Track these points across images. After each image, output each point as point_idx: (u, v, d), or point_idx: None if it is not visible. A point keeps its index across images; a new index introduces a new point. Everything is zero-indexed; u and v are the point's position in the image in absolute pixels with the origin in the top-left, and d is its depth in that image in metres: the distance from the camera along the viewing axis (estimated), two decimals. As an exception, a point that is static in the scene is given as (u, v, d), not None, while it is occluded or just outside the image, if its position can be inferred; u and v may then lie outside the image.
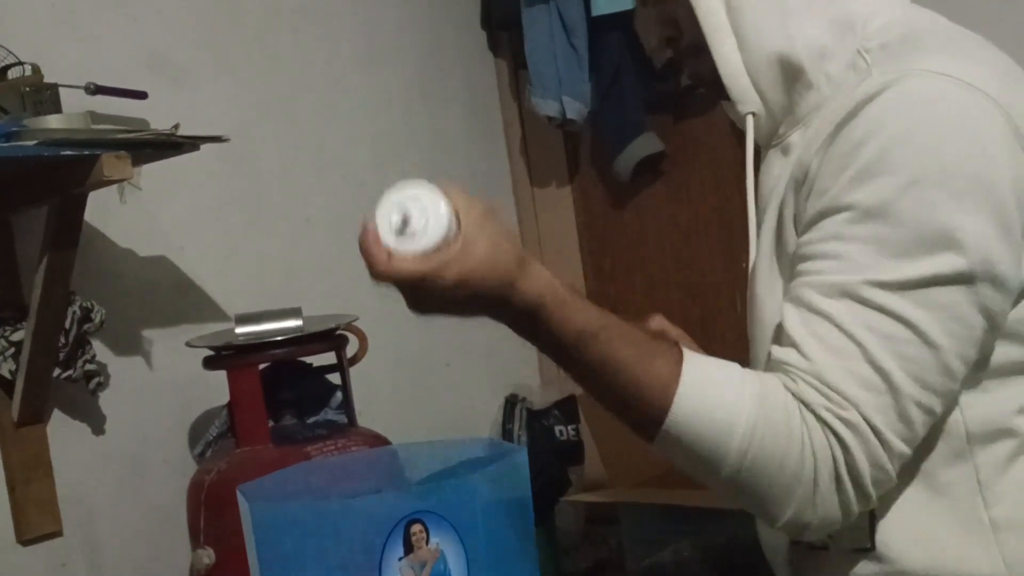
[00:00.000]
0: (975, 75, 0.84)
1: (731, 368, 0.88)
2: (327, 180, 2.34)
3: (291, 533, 0.99)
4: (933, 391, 0.82)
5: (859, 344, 0.82)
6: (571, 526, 2.58)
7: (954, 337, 0.82)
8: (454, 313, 0.88)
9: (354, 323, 1.93)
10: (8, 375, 1.64)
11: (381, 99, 2.52)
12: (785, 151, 0.97)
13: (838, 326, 0.83)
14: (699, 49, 0.97)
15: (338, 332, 1.89)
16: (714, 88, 1.00)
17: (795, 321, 0.85)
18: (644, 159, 2.54)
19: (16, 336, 1.64)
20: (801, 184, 0.89)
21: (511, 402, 2.70)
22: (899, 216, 0.81)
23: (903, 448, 0.83)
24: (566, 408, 2.70)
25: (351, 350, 1.95)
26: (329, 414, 1.91)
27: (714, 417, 0.84)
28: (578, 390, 2.63)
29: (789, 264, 0.90)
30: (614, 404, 0.89)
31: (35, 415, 1.69)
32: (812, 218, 0.86)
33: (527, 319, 0.86)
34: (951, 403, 0.86)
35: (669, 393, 0.85)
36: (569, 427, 2.70)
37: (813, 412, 0.83)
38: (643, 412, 0.87)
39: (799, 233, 0.89)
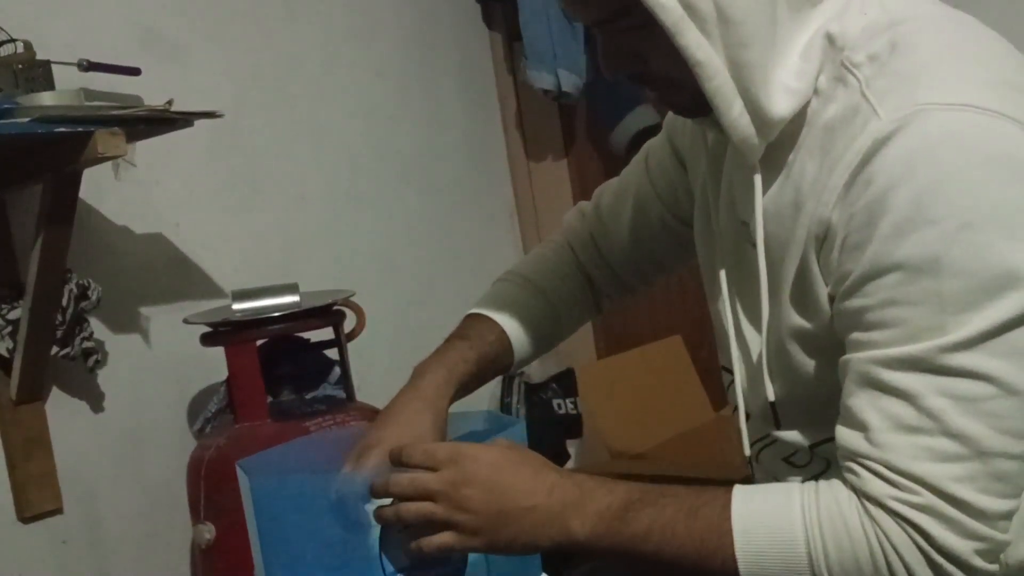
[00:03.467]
0: (990, 99, 0.78)
1: (780, 490, 0.85)
2: (322, 155, 2.34)
3: (290, 506, 0.99)
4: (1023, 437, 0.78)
5: (936, 417, 0.77)
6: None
7: None
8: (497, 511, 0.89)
9: (351, 298, 1.93)
10: (6, 353, 1.64)
11: (375, 73, 2.51)
12: (773, 169, 0.89)
13: (913, 403, 0.78)
14: (675, 84, 0.88)
15: (335, 307, 1.89)
16: (695, 115, 0.94)
17: (863, 402, 0.80)
18: (640, 131, 2.54)
19: (13, 315, 1.63)
20: (823, 240, 0.83)
21: (509, 376, 2.71)
22: (953, 267, 0.75)
23: (1005, 506, 0.78)
24: (564, 382, 2.71)
25: (349, 325, 1.95)
26: (327, 389, 1.91)
27: (777, 550, 0.81)
28: (576, 364, 2.66)
29: (826, 325, 0.86)
30: (685, 565, 0.86)
31: (33, 393, 1.69)
32: (856, 281, 0.80)
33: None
34: None
35: (727, 541, 0.83)
36: (567, 400, 2.71)
37: (881, 505, 0.79)
38: (715, 570, 0.85)
39: (834, 289, 0.83)
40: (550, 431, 2.57)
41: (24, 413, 1.69)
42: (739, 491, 0.85)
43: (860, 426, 0.81)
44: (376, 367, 2.21)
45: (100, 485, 1.83)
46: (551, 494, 0.88)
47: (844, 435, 0.82)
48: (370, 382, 2.05)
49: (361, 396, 1.94)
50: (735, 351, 0.98)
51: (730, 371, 1.00)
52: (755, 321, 0.95)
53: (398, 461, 0.93)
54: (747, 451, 1.01)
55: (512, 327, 1.16)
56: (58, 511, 1.75)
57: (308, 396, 1.89)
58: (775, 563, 0.81)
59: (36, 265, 1.58)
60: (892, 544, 0.78)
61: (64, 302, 1.65)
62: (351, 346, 1.94)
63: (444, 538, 0.89)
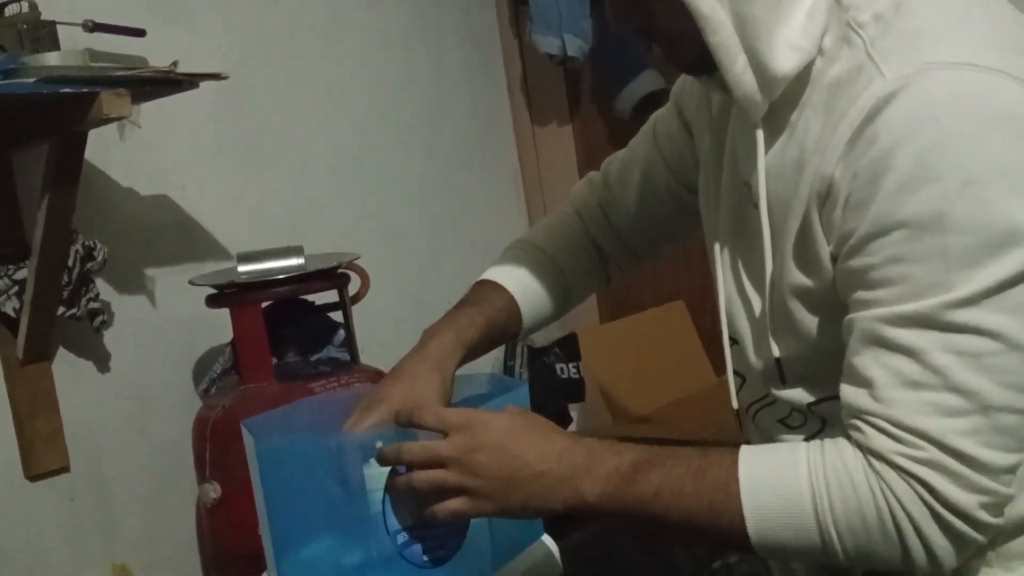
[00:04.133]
0: (993, 58, 0.78)
1: (786, 449, 0.86)
2: (327, 119, 2.33)
3: (295, 465, 1.00)
4: None
5: (941, 372, 0.78)
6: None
7: None
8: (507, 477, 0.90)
9: (355, 261, 1.94)
10: (12, 313, 1.65)
11: (380, 37, 2.50)
12: (776, 130, 0.90)
13: (918, 359, 0.78)
14: (680, 38, 0.89)
15: (340, 270, 1.90)
16: (699, 73, 0.95)
17: (867, 360, 0.81)
18: (646, 96, 2.53)
19: (19, 275, 1.64)
20: (826, 197, 0.84)
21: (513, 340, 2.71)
22: (957, 223, 0.76)
23: (1009, 460, 0.79)
24: (567, 346, 2.72)
25: (353, 288, 1.96)
26: (332, 351, 1.93)
27: (784, 508, 0.82)
28: (579, 328, 2.66)
29: (829, 283, 0.86)
30: (693, 525, 0.87)
31: (40, 353, 1.70)
32: (860, 240, 0.80)
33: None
34: None
35: (735, 500, 0.84)
36: (570, 365, 2.72)
37: (886, 461, 0.79)
38: (723, 530, 0.85)
39: (837, 248, 0.84)
40: (553, 395, 2.58)
41: (31, 372, 1.70)
42: (746, 451, 0.86)
43: (865, 383, 0.81)
44: (380, 330, 2.22)
45: (107, 444, 1.84)
46: (561, 459, 0.89)
47: (848, 393, 0.83)
48: (374, 345, 2.06)
49: (365, 359, 1.95)
50: (737, 313, 0.99)
51: (733, 338, 1.01)
52: (758, 282, 0.95)
53: (407, 422, 0.93)
54: (734, 403, 1.02)
55: (521, 294, 1.17)
56: (65, 470, 1.77)
57: (313, 358, 1.90)
58: (782, 521, 0.82)
59: (42, 226, 1.59)
60: (897, 499, 0.79)
61: (70, 263, 1.66)
62: (355, 309, 1.95)
63: (456, 504, 0.90)
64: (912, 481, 0.79)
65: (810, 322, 0.89)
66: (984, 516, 0.79)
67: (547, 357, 2.72)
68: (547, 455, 0.89)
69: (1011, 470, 0.80)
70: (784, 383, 0.93)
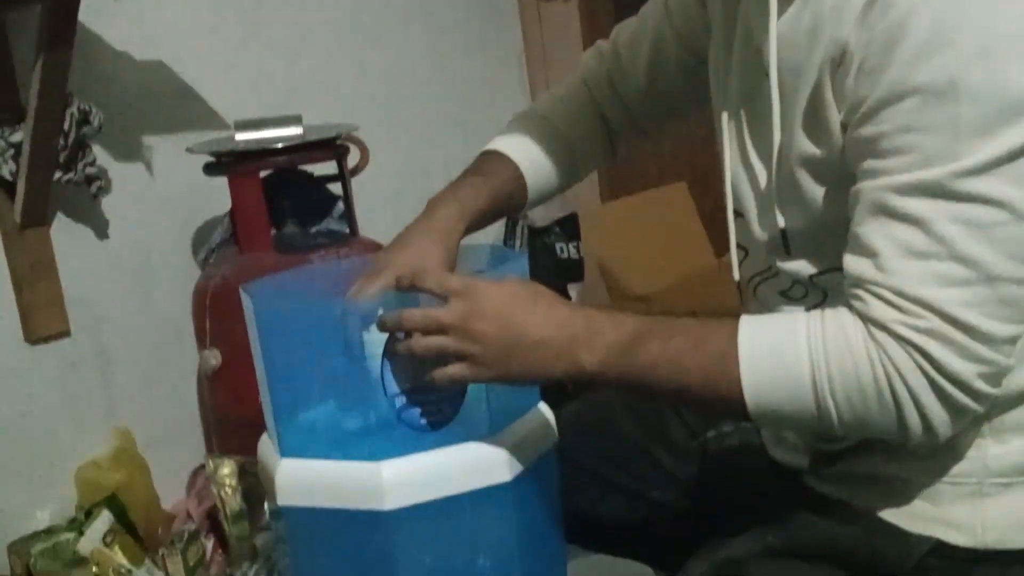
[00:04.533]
0: None
1: (784, 318, 0.86)
2: (327, -14, 2.28)
3: (295, 329, 1.00)
4: None
5: (946, 242, 0.76)
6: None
7: None
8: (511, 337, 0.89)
9: (355, 133, 1.91)
10: (9, 176, 1.64)
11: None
12: None
13: (923, 228, 0.77)
14: None
15: (339, 141, 1.88)
16: None
17: (872, 229, 0.80)
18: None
19: (15, 137, 1.62)
20: (839, 63, 0.82)
21: (513, 219, 2.70)
22: (970, 91, 0.74)
23: (1010, 330, 0.78)
24: (568, 226, 2.71)
25: (352, 160, 1.94)
26: (331, 224, 1.92)
27: (782, 376, 0.82)
28: (580, 208, 2.65)
29: (838, 152, 0.85)
30: (692, 395, 0.87)
31: (37, 217, 1.70)
32: (872, 107, 0.79)
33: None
34: None
35: (734, 369, 0.83)
36: (570, 245, 2.72)
37: (887, 330, 0.78)
38: (721, 399, 0.85)
39: (848, 116, 0.82)
40: (552, 275, 2.59)
41: (29, 237, 1.70)
42: (746, 320, 0.86)
43: (869, 253, 0.81)
44: (379, 203, 2.21)
45: (107, 311, 1.85)
46: (562, 328, 0.89)
47: (852, 263, 0.82)
48: (373, 218, 2.05)
49: (364, 232, 1.95)
50: (742, 186, 0.98)
51: (737, 211, 1.00)
52: (765, 152, 0.94)
53: (408, 285, 0.93)
54: (736, 275, 1.02)
55: (528, 165, 1.15)
56: (65, 334, 1.78)
57: (312, 230, 1.90)
58: (780, 388, 0.83)
59: (37, 87, 1.56)
60: (897, 368, 0.79)
61: (66, 126, 1.64)
62: (354, 182, 1.94)
63: (457, 369, 0.91)
64: (912, 350, 0.78)
65: (816, 192, 0.88)
66: (982, 386, 0.79)
67: (547, 237, 2.71)
68: (547, 324, 0.89)
69: (1011, 341, 0.80)
70: (788, 254, 0.93)
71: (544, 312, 0.90)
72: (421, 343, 0.91)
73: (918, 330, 0.78)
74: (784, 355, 0.82)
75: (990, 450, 0.87)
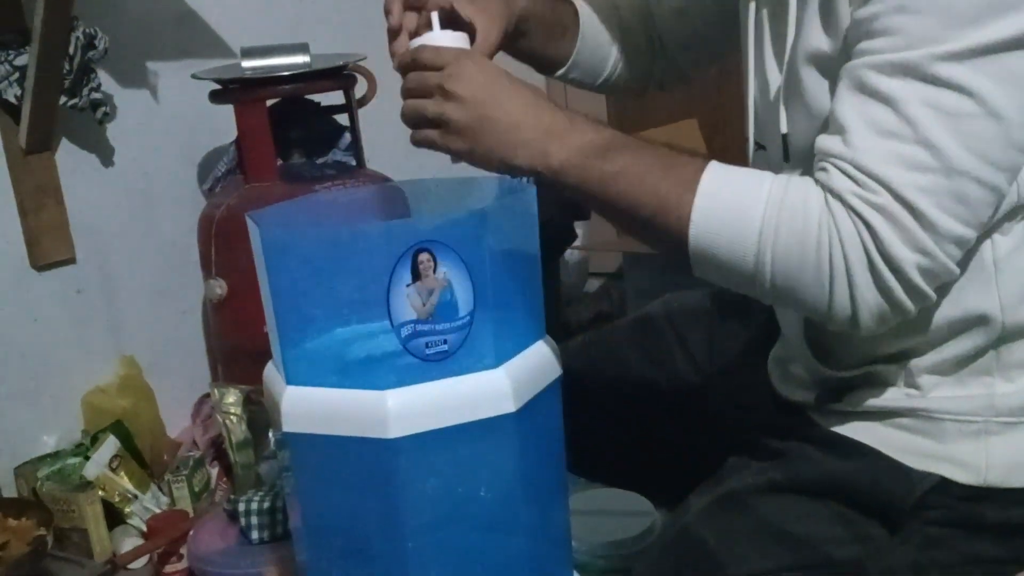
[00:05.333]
0: None
1: (757, 172, 0.85)
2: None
3: (302, 257, 1.00)
4: (996, 166, 0.77)
5: (915, 124, 0.76)
6: (574, 278, 2.63)
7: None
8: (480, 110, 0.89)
9: (362, 63, 1.89)
10: (14, 100, 1.62)
11: None
12: None
13: (895, 107, 0.77)
14: None
15: (346, 71, 1.85)
16: None
17: (847, 106, 0.80)
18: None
19: (20, 60, 1.61)
20: None
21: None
22: None
23: (959, 230, 0.78)
24: (575, 162, 2.69)
25: (360, 91, 1.92)
26: (338, 155, 1.91)
27: (733, 216, 0.81)
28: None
29: (843, 43, 0.84)
30: (641, 218, 0.86)
31: (43, 142, 1.69)
32: None
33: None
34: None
35: (689, 198, 0.82)
36: (577, 182, 2.70)
37: (841, 200, 0.79)
38: (667, 226, 0.84)
39: (853, 2, 0.82)
40: (558, 210, 2.57)
41: (34, 162, 1.69)
42: (716, 164, 0.85)
43: (840, 129, 0.81)
44: (386, 135, 2.17)
45: (113, 238, 1.85)
46: (540, 117, 0.89)
47: (823, 139, 0.82)
48: (380, 150, 2.03)
49: (371, 164, 1.93)
50: (752, 90, 0.97)
51: (761, 145, 0.98)
52: (779, 56, 0.92)
53: (409, 61, 0.96)
54: None
55: (587, 20, 1.12)
56: (71, 261, 1.78)
57: (318, 161, 1.89)
58: (724, 234, 0.82)
59: (42, 9, 1.54)
60: (840, 237, 0.79)
61: (71, 50, 1.62)
62: (362, 113, 1.92)
63: (430, 134, 0.92)
64: (859, 222, 0.78)
65: (819, 88, 0.87)
66: (917, 278, 0.78)
67: (554, 173, 2.69)
68: (528, 110, 0.89)
69: (958, 242, 0.79)
70: (787, 161, 0.92)
71: (527, 99, 0.90)
72: (407, 105, 0.94)
73: (870, 204, 0.78)
74: (740, 203, 0.82)
75: (998, 388, 0.87)
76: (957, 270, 0.81)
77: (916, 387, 0.89)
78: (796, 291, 0.81)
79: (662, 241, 0.87)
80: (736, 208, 0.82)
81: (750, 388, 1.05)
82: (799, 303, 0.83)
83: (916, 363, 0.89)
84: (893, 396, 0.90)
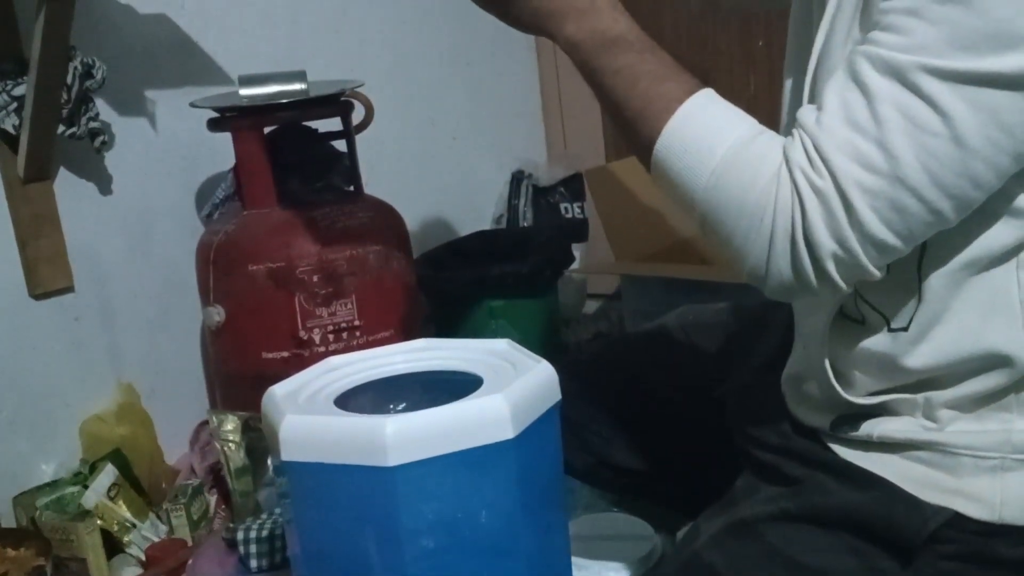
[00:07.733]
0: None
1: (740, 114, 0.87)
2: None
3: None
4: (945, 192, 0.77)
5: (881, 123, 0.77)
6: (573, 299, 2.63)
7: (991, 143, 0.76)
8: None
9: (360, 89, 1.90)
10: (12, 130, 1.63)
11: None
12: None
13: (870, 102, 0.78)
14: None
15: (344, 97, 1.86)
16: None
17: (833, 88, 0.81)
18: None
19: (18, 91, 1.61)
20: None
21: (517, 178, 2.70)
22: (983, 4, 0.74)
23: (886, 237, 0.79)
24: (572, 186, 2.70)
25: (357, 117, 1.92)
26: (335, 181, 1.91)
27: (697, 145, 0.84)
28: (584, 167, 2.64)
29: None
30: (624, 118, 0.89)
31: (41, 171, 1.69)
32: None
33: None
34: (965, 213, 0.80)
35: (668, 113, 0.85)
36: (575, 205, 2.71)
37: (790, 171, 0.80)
38: (640, 133, 0.87)
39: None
40: (556, 235, 2.58)
41: (33, 191, 1.70)
42: (706, 92, 0.87)
43: (820, 105, 0.82)
44: (384, 160, 2.20)
45: (111, 266, 1.85)
46: None
47: (806, 108, 0.84)
48: (378, 175, 2.04)
49: (369, 189, 1.94)
50: (787, 85, 0.99)
51: None
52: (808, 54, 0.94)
53: None
54: None
55: None
56: (69, 289, 1.78)
57: (316, 186, 1.89)
58: (685, 159, 0.84)
59: (39, 39, 1.55)
60: (776, 204, 0.81)
61: (69, 80, 1.63)
62: (359, 139, 1.93)
63: None
64: (795, 197, 0.80)
65: None
66: (830, 267, 0.80)
67: (551, 196, 2.71)
68: None
69: (881, 248, 0.80)
70: None
71: None
72: None
73: (811, 185, 0.80)
74: (707, 136, 0.84)
75: (1016, 425, 0.87)
76: (877, 273, 0.82)
77: (934, 420, 0.89)
78: (721, 233, 0.85)
79: (633, 144, 0.90)
80: (702, 139, 0.84)
81: (765, 405, 1.04)
82: (727, 250, 0.86)
83: (935, 396, 0.89)
84: (910, 428, 0.90)
